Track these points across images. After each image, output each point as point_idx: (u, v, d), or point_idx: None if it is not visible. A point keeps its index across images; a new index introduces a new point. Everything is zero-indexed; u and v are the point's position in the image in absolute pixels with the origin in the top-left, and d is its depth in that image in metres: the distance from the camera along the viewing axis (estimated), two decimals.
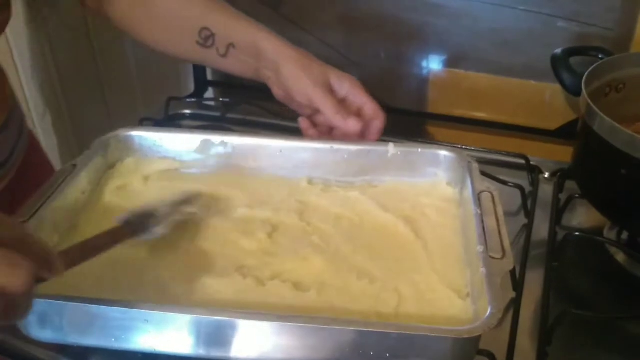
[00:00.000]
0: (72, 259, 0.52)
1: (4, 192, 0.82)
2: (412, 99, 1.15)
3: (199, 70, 1.18)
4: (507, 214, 0.83)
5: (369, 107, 0.73)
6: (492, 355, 0.60)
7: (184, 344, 0.54)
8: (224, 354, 0.55)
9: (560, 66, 0.86)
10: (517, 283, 0.71)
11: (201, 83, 1.18)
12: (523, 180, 0.89)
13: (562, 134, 1.05)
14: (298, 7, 1.15)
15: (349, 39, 1.15)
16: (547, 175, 0.92)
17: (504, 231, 0.62)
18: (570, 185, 0.88)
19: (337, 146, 0.74)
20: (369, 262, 0.64)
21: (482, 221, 0.63)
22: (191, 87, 1.19)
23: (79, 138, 1.34)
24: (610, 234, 0.81)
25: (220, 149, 0.75)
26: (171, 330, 0.54)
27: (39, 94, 1.24)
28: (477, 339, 0.53)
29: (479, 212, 0.64)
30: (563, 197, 0.86)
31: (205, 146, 0.74)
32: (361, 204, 0.72)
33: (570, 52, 0.88)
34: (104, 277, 0.60)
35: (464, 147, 0.96)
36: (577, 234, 0.79)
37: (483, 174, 0.86)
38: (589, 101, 0.72)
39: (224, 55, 0.77)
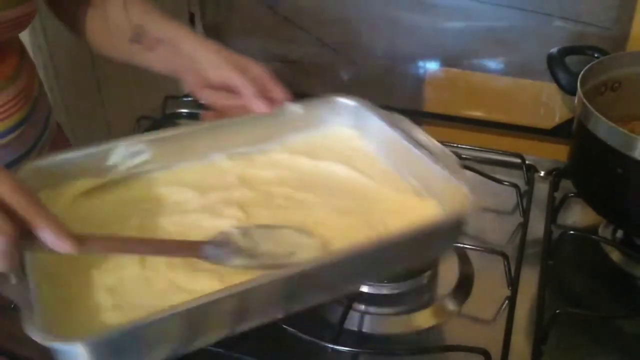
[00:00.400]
0: (95, 245, 0.54)
1: None
2: (408, 98, 1.15)
3: None
4: (503, 213, 0.85)
5: (279, 91, 0.77)
6: (488, 354, 0.61)
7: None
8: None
9: (556, 65, 0.86)
10: (513, 281, 0.71)
11: None
12: (518, 179, 0.89)
13: (558, 132, 1.05)
14: (296, 6, 1.15)
15: (346, 38, 1.15)
16: (542, 174, 0.93)
17: (433, 140, 0.66)
18: (566, 184, 0.89)
19: (241, 119, 0.75)
20: (338, 202, 0.66)
21: (413, 138, 0.67)
22: None
23: (76, 138, 1.34)
24: (605, 232, 0.81)
25: (136, 153, 0.72)
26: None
27: None
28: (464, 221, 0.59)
29: (401, 134, 0.68)
30: (558, 195, 0.87)
31: (119, 155, 0.71)
32: (295, 162, 0.74)
33: (566, 51, 0.88)
34: (101, 305, 0.57)
35: (459, 145, 0.96)
36: (572, 232, 0.79)
37: (478, 172, 0.87)
38: (585, 100, 0.72)
39: (151, 50, 0.81)
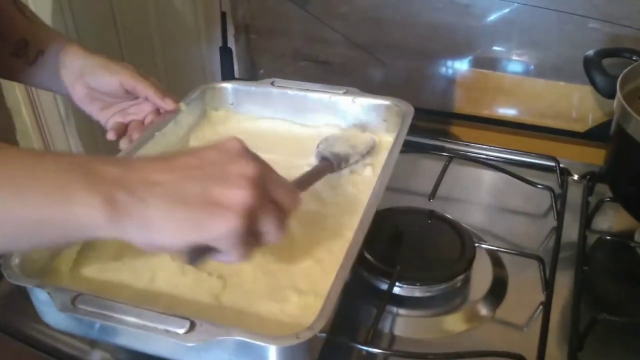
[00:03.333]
0: (301, 188, 0.65)
1: None
2: (438, 99, 1.14)
3: (227, 67, 1.19)
4: (536, 216, 0.84)
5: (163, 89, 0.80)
6: (523, 359, 0.60)
7: None
8: None
9: (592, 68, 0.84)
10: (548, 283, 0.70)
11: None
12: (551, 182, 0.88)
13: (592, 136, 1.03)
14: (325, 4, 1.15)
15: (376, 38, 1.14)
16: (576, 177, 0.91)
17: None
18: (599, 188, 0.87)
19: None
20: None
21: None
22: None
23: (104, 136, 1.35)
24: None
25: None
26: None
27: None
28: None
29: None
30: (593, 200, 0.86)
31: None
32: None
33: (603, 54, 0.86)
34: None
35: (491, 147, 0.96)
36: (608, 237, 0.78)
37: (511, 174, 0.87)
38: (624, 103, 0.71)
39: (33, 63, 0.78)
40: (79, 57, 0.78)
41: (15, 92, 1.15)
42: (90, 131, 1.29)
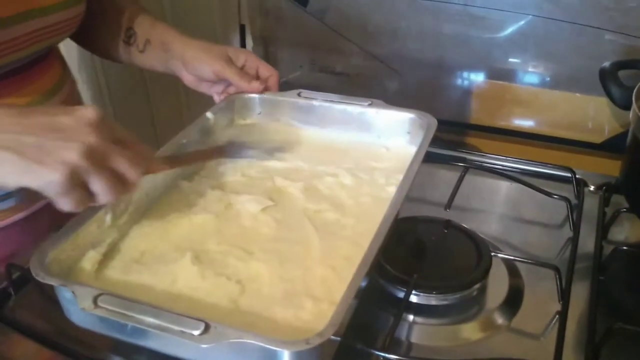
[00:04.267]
0: (172, 163, 0.72)
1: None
2: (455, 110, 1.15)
3: None
4: (552, 226, 0.84)
5: (263, 67, 0.89)
6: None
7: None
8: None
9: (608, 79, 0.85)
10: (564, 293, 0.71)
11: None
12: (567, 192, 0.88)
13: (608, 147, 1.04)
14: (343, 16, 1.16)
15: (392, 49, 1.15)
16: (592, 188, 0.91)
17: None
18: (616, 199, 0.88)
19: None
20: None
21: None
22: None
23: None
24: None
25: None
26: None
27: (86, 97, 1.26)
28: None
29: None
30: (609, 210, 0.86)
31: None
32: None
33: (618, 66, 0.87)
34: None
35: (508, 157, 0.96)
36: (625, 248, 0.78)
37: (527, 184, 0.87)
38: None
39: (143, 51, 0.89)
40: (179, 48, 0.86)
41: None
42: None
